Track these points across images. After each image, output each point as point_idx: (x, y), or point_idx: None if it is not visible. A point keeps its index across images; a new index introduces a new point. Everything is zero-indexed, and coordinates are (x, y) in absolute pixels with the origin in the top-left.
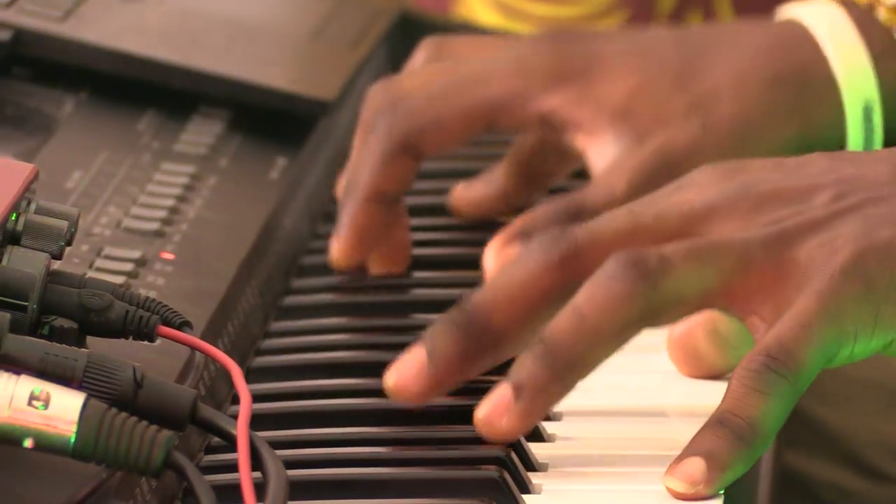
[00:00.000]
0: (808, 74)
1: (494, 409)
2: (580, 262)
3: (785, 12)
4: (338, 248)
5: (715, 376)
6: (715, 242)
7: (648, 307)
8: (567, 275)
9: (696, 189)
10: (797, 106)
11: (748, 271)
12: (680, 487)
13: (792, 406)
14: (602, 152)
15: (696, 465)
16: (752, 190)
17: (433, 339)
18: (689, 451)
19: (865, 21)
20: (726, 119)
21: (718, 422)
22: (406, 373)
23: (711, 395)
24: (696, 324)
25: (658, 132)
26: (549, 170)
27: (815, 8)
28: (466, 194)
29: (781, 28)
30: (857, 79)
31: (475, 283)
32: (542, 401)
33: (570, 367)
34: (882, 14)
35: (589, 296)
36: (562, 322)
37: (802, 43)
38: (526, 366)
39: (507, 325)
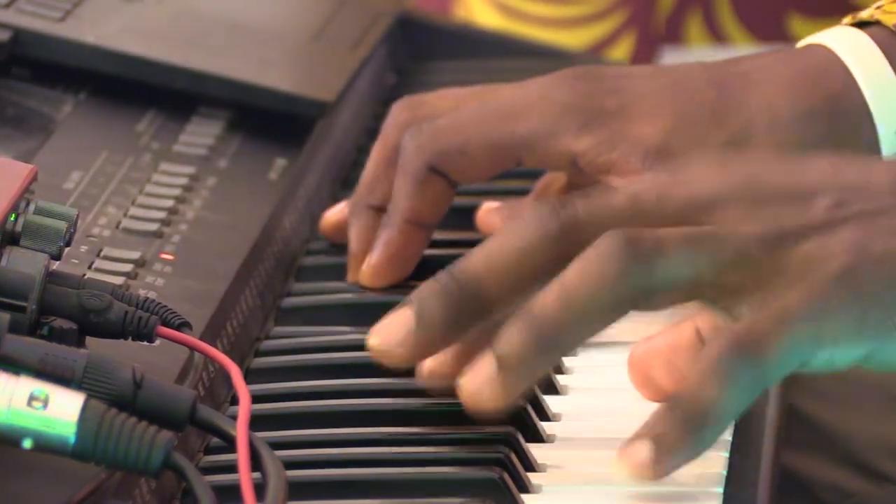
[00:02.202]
0: (840, 105)
1: (477, 379)
2: (577, 237)
3: (811, 38)
4: (370, 271)
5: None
6: (713, 232)
7: (639, 288)
8: (563, 249)
9: (699, 174)
10: (831, 138)
11: (742, 266)
12: (625, 470)
13: (752, 399)
14: None
15: (642, 449)
16: (755, 183)
17: (421, 303)
18: (637, 434)
19: (890, 44)
20: None
21: (671, 406)
22: (392, 335)
23: None
24: (654, 351)
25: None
26: None
27: (840, 33)
28: (488, 219)
29: (811, 58)
30: (888, 106)
31: None
32: (525, 373)
33: (555, 341)
34: None
35: (580, 271)
36: (550, 296)
37: (832, 72)
38: (511, 337)
39: (497, 294)
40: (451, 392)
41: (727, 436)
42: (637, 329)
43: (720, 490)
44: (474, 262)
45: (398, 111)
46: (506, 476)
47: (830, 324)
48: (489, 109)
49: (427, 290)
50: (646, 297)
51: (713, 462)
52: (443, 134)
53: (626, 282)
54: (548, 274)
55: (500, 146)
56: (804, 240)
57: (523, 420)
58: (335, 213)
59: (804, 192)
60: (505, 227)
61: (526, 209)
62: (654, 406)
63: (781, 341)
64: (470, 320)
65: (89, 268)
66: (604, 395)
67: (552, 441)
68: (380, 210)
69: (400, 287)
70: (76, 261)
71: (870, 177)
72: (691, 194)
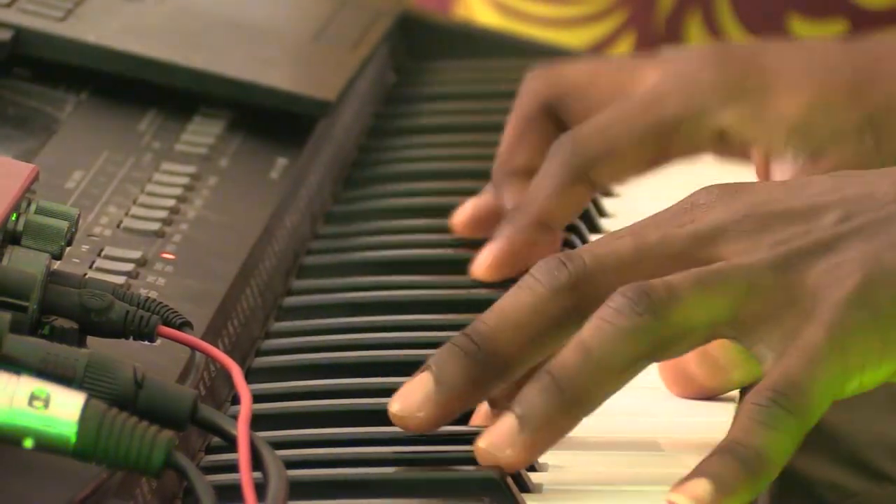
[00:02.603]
0: None
1: (498, 440)
2: (588, 287)
3: None
4: (487, 262)
5: (705, 397)
6: (722, 270)
7: (656, 341)
8: (575, 300)
9: (699, 210)
10: None
11: (756, 298)
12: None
13: (799, 441)
14: (781, 170)
15: (703, 486)
16: (758, 210)
17: (440, 366)
18: (696, 472)
19: None
20: None
21: (726, 449)
22: (413, 400)
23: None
24: None
25: (832, 151)
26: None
27: None
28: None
29: None
30: None
31: (476, 285)
32: (547, 434)
33: (576, 401)
34: None
35: (595, 330)
36: (568, 356)
37: None
38: (532, 398)
39: (515, 351)
40: None
41: None
42: None
43: None
44: (488, 320)
45: (532, 77)
46: (506, 475)
47: (855, 352)
48: (633, 104)
49: (444, 352)
50: (664, 348)
51: None
52: (590, 140)
53: (642, 337)
54: (563, 326)
55: (649, 138)
56: (814, 260)
57: None
58: (466, 210)
59: (808, 211)
60: (515, 285)
61: (533, 267)
62: (660, 402)
63: (815, 383)
64: (489, 379)
65: (90, 267)
66: None
67: None
68: (525, 174)
69: (401, 288)
70: (77, 260)
71: (873, 187)
72: (695, 230)
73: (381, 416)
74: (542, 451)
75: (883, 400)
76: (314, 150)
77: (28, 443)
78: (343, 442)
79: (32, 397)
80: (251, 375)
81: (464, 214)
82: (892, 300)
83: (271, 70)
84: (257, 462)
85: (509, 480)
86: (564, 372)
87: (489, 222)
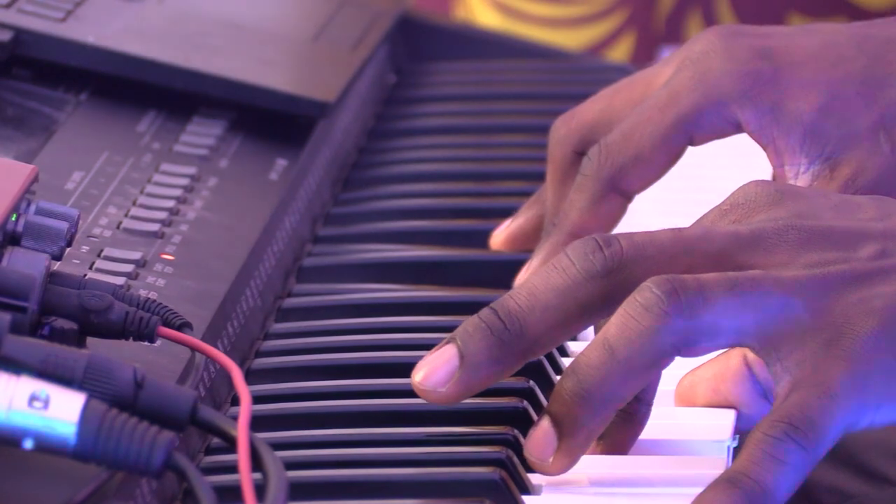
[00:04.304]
0: None
1: (541, 449)
2: (622, 274)
3: None
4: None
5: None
6: (757, 280)
7: (682, 340)
8: (608, 286)
9: (741, 210)
10: None
11: (784, 316)
12: None
13: (806, 474)
14: (795, 176)
15: None
16: (801, 222)
17: (466, 343)
18: (698, 501)
19: None
20: None
21: (731, 482)
22: (436, 374)
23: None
24: (701, 380)
25: (847, 158)
26: None
27: None
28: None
29: None
30: None
31: (477, 286)
32: (584, 435)
33: (604, 401)
34: None
35: (621, 328)
36: (592, 356)
37: None
38: (562, 401)
39: (541, 333)
40: None
41: (731, 441)
42: None
43: None
44: (518, 299)
45: (556, 128)
46: (506, 476)
47: (873, 392)
48: (650, 105)
49: (471, 328)
50: (689, 346)
51: (716, 466)
52: (615, 149)
53: (668, 336)
54: (592, 312)
55: (672, 135)
56: (846, 291)
57: (524, 420)
58: (504, 229)
59: (850, 236)
60: (549, 263)
61: (569, 246)
62: (656, 408)
63: (831, 419)
64: (514, 360)
65: (90, 268)
66: None
67: None
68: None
69: (401, 289)
70: (77, 261)
71: None
72: (736, 231)
73: (381, 417)
74: (584, 449)
75: None
76: (314, 152)
77: (28, 444)
78: (343, 443)
79: (32, 398)
80: (251, 376)
81: (502, 235)
82: None
83: (271, 71)
84: (257, 463)
85: (509, 481)
86: (589, 373)
87: (527, 240)
